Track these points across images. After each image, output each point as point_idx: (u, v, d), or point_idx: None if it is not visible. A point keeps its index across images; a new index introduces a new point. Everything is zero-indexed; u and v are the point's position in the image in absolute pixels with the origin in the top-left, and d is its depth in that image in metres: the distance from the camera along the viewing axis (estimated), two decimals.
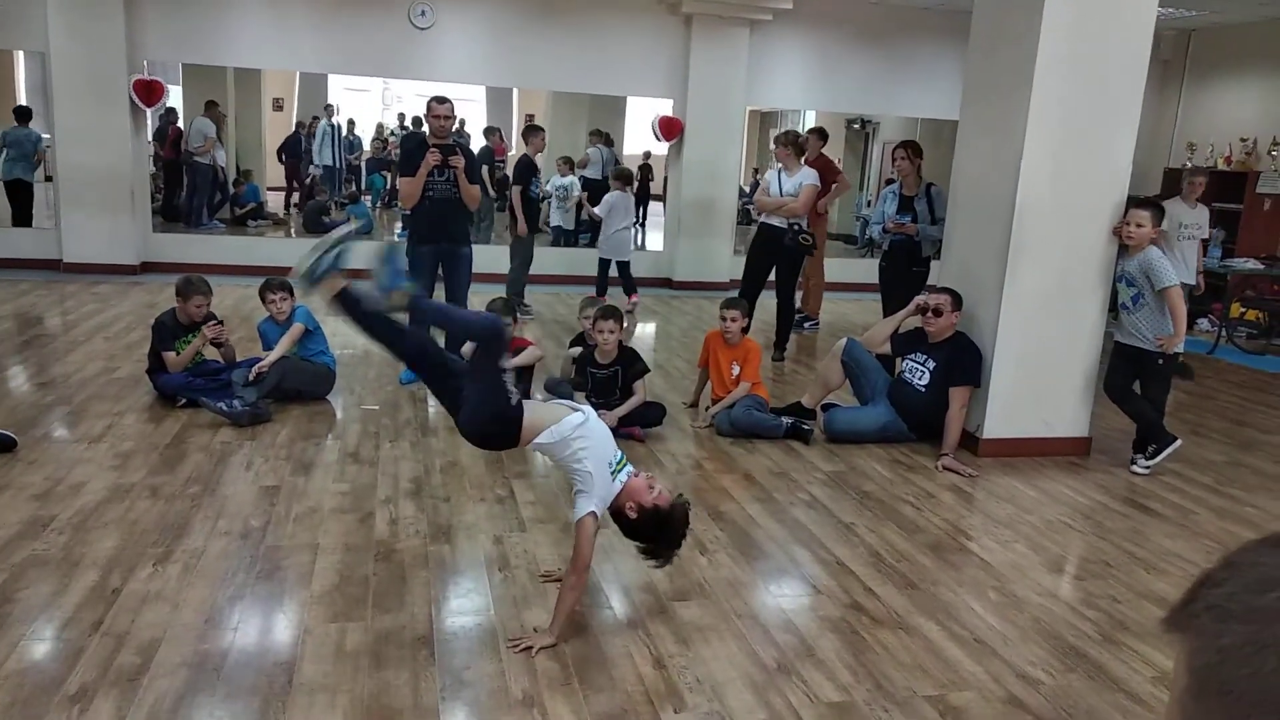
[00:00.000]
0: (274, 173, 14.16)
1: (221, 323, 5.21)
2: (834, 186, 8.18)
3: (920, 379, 5.02)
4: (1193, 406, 6.26)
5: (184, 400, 5.00)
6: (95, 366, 5.72)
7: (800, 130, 9.33)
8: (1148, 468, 4.85)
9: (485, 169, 11.92)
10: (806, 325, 8.41)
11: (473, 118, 15.67)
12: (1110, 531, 4.09)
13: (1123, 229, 4.77)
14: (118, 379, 5.47)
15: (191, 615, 2.91)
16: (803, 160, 6.94)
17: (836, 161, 9.24)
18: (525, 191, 7.88)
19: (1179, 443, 4.86)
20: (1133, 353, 4.84)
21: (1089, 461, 5.02)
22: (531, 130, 8.39)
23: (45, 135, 9.53)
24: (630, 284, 8.78)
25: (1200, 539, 4.06)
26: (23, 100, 11.25)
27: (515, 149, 15.60)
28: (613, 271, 8.66)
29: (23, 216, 9.81)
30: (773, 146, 7.06)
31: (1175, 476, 4.83)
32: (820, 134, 8.39)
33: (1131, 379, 4.91)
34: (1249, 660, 0.46)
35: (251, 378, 4.92)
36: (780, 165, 6.86)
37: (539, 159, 8.27)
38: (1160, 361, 4.79)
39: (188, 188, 11.39)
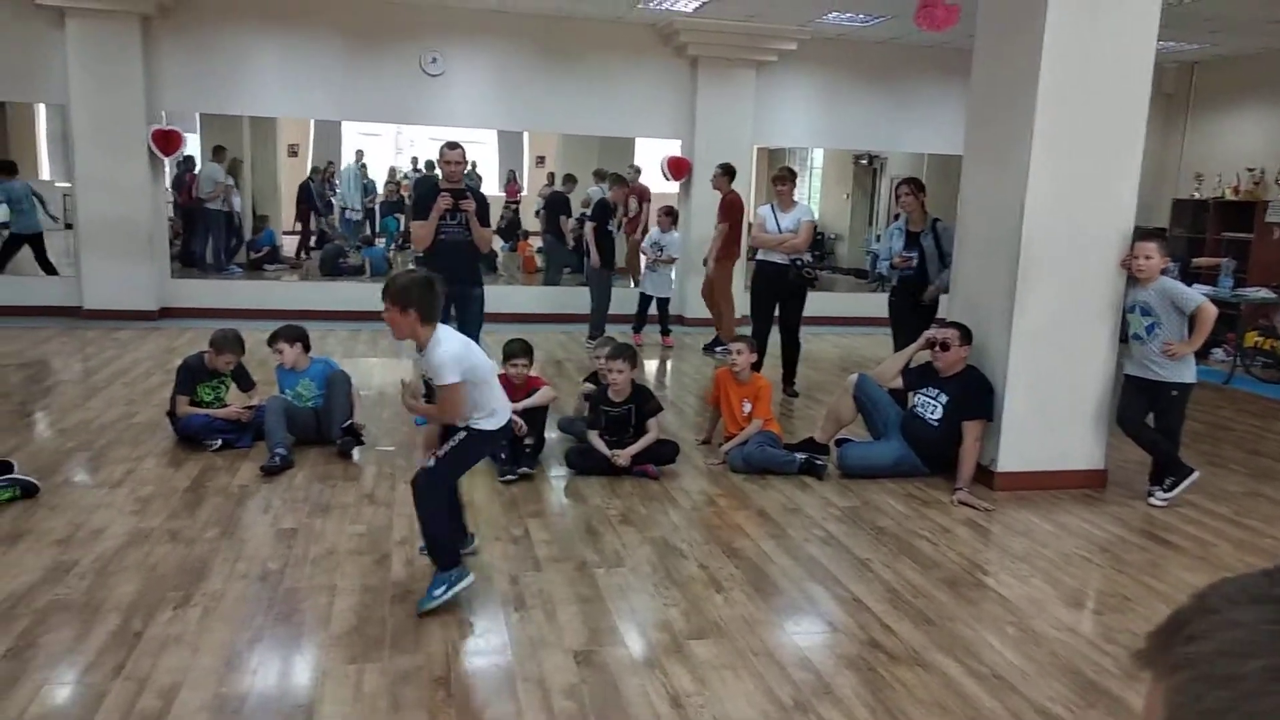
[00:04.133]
0: (290, 217, 14.32)
1: (253, 407, 5.23)
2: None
3: (932, 413, 5.03)
4: (1209, 437, 6.23)
5: (219, 444, 5.05)
6: (115, 412, 5.79)
7: (795, 167, 9.47)
8: (1165, 500, 4.82)
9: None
10: (718, 350, 8.26)
11: (485, 160, 15.86)
12: (1128, 565, 4.07)
13: (1131, 262, 4.79)
14: (137, 424, 5.54)
15: (211, 659, 2.93)
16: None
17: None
18: (601, 227, 8.59)
19: (1196, 474, 4.84)
20: (1145, 384, 4.84)
21: (1105, 494, 5.00)
22: (618, 180, 9.21)
23: (64, 184, 9.64)
24: (667, 323, 9.15)
25: (1220, 571, 4.03)
26: (43, 150, 11.45)
27: (528, 191, 15.84)
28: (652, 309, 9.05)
29: (42, 264, 9.91)
30: (774, 185, 7.06)
31: (1193, 508, 4.80)
32: (728, 170, 8.44)
33: (1144, 411, 4.91)
34: None
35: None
36: (775, 201, 6.90)
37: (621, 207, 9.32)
38: (1174, 393, 4.79)
39: (202, 233, 11.56)
